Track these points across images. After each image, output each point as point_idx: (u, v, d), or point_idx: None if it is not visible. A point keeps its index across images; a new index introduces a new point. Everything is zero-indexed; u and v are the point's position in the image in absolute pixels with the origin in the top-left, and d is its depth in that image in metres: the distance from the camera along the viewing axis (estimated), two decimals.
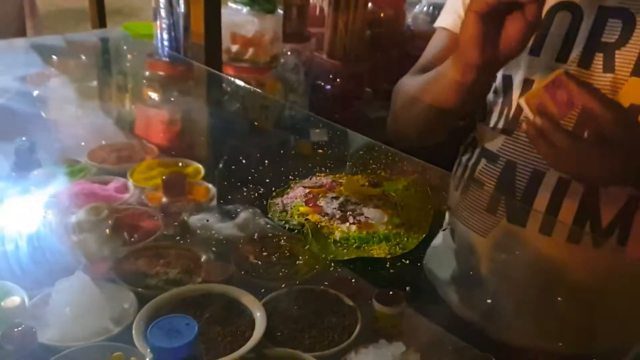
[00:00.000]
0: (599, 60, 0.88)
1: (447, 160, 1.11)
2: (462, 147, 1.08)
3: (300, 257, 1.04)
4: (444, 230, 1.02)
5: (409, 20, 2.30)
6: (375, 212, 0.76)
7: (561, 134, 0.75)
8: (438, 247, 1.07)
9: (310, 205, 0.81)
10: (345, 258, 0.75)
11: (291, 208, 0.82)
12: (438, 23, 1.11)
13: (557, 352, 0.93)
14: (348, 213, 0.77)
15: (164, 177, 1.09)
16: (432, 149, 1.10)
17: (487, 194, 0.97)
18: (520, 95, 0.94)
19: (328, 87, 1.99)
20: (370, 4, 2.15)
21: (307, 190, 0.85)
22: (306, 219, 0.78)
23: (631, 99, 0.85)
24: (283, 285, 0.97)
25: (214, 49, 1.43)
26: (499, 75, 0.98)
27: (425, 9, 2.29)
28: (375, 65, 2.14)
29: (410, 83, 1.09)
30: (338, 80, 1.99)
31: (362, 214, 0.76)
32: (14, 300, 0.84)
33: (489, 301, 0.96)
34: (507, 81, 0.97)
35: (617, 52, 0.87)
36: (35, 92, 1.43)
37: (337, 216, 0.75)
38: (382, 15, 2.20)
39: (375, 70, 2.14)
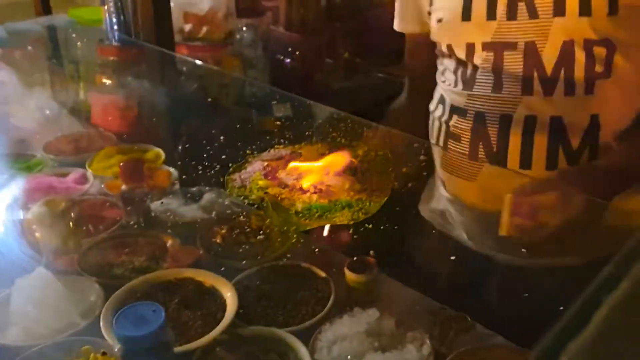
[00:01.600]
0: (522, 9, 0.93)
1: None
2: (430, 104, 1.11)
3: (267, 233, 1.02)
4: None
5: None
6: (336, 180, 0.74)
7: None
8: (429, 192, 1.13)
9: (269, 178, 0.79)
10: (308, 228, 0.73)
11: (249, 183, 0.80)
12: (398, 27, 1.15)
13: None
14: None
15: (120, 164, 1.06)
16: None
17: (465, 144, 1.02)
18: (467, 56, 0.98)
19: (288, 60, 1.96)
20: None
21: (266, 164, 0.83)
22: (265, 193, 0.76)
23: (562, 36, 0.91)
24: (250, 264, 0.96)
25: (165, 29, 1.39)
26: (442, 45, 1.02)
27: None
28: (334, 35, 2.10)
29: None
30: (297, 52, 1.95)
31: (322, 183, 0.74)
32: None
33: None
34: (450, 48, 1.01)
35: None
36: None
37: (297, 187, 0.73)
38: None
39: (334, 40, 2.11)
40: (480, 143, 1.00)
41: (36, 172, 1.25)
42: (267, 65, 1.92)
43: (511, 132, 0.96)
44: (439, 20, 1.03)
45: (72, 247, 1.00)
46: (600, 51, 0.91)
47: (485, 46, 0.96)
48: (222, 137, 1.17)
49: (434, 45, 1.07)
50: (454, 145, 1.04)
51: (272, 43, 1.92)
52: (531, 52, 0.93)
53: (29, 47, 1.60)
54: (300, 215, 0.71)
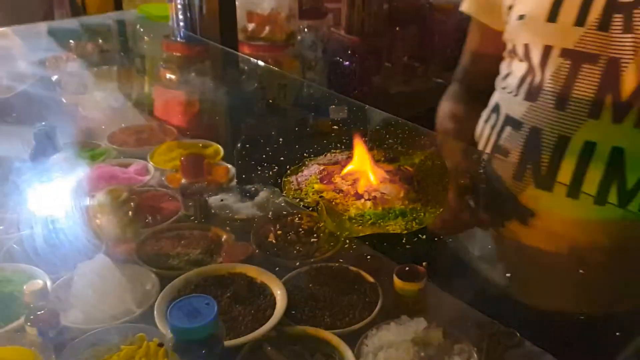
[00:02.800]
0: (618, 20, 0.84)
1: None
2: (483, 112, 1.06)
3: (320, 235, 1.03)
4: None
5: None
6: (391, 187, 0.75)
7: None
8: None
9: (325, 182, 0.80)
10: (360, 235, 0.74)
11: (305, 186, 0.81)
12: (462, 7, 1.11)
13: (582, 314, 0.93)
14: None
15: (182, 158, 1.09)
16: None
17: (513, 161, 0.97)
18: (541, 60, 0.91)
19: (346, 63, 1.97)
20: None
21: (322, 168, 0.84)
22: (320, 196, 0.77)
23: None
24: (301, 264, 0.97)
25: (229, 28, 1.42)
26: (518, 45, 0.96)
27: None
28: (393, 39, 2.10)
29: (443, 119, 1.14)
30: (356, 56, 1.96)
31: (377, 190, 0.75)
32: (37, 283, 0.85)
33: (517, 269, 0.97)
34: (527, 49, 0.94)
35: (634, 11, 0.83)
36: (54, 77, 1.43)
37: (352, 192, 0.74)
38: None
39: (393, 44, 2.11)
40: (529, 162, 0.94)
41: (100, 162, 1.31)
42: (325, 67, 1.93)
43: (565, 156, 0.90)
44: (521, 17, 0.95)
45: (131, 236, 1.04)
46: None
47: (565, 53, 0.89)
48: (280, 138, 1.19)
49: (497, 46, 1.03)
50: (500, 159, 1.00)
51: (332, 45, 1.94)
52: (612, 70, 0.85)
53: (100, 40, 1.66)
54: (354, 221, 0.72)
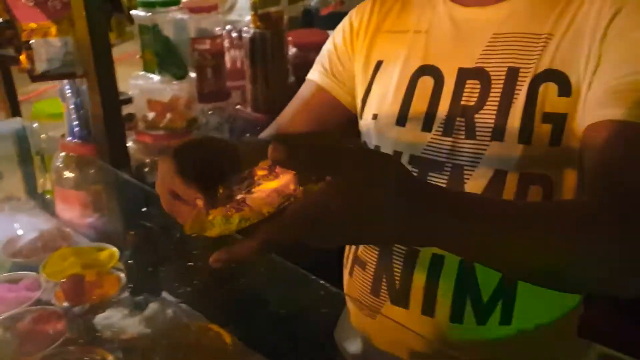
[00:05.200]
0: (460, 125, 0.85)
1: None
2: None
3: (209, 352, 1.02)
4: None
5: None
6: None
7: None
8: (343, 322, 1.06)
9: None
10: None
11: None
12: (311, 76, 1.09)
13: None
14: None
15: (61, 281, 1.07)
16: None
17: (370, 274, 0.94)
18: None
19: None
20: (294, 48, 2.15)
21: None
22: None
23: (495, 164, 0.82)
24: None
25: (116, 133, 1.41)
26: (371, 145, 0.95)
27: None
28: None
29: None
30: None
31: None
32: None
33: None
34: None
35: (475, 115, 0.84)
36: None
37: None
38: (306, 59, 2.21)
39: None
40: (384, 276, 0.91)
41: None
42: None
43: (416, 270, 0.87)
44: (374, 116, 0.94)
45: None
46: (536, 190, 0.80)
47: (413, 160, 0.88)
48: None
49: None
50: (359, 272, 0.97)
51: (239, 124, 1.95)
52: (456, 178, 0.84)
53: None
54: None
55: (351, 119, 1.04)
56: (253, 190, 0.61)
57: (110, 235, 1.39)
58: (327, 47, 1.08)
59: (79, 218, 1.54)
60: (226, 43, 2.00)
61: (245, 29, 1.92)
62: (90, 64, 1.28)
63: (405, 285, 0.89)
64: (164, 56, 1.63)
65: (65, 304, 1.07)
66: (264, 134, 1.12)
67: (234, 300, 1.10)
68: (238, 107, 1.98)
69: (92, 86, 1.32)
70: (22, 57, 1.34)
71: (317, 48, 2.22)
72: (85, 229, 1.48)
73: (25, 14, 1.30)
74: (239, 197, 0.61)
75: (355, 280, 0.97)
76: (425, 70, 0.90)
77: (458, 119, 0.85)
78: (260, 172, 0.62)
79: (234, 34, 2.03)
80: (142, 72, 1.72)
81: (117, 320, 1.10)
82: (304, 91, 1.08)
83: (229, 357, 1.00)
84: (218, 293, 1.15)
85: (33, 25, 1.27)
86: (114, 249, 1.35)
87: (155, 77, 1.68)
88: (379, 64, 0.98)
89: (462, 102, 0.86)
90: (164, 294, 1.18)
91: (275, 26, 1.91)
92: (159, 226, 1.27)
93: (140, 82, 1.70)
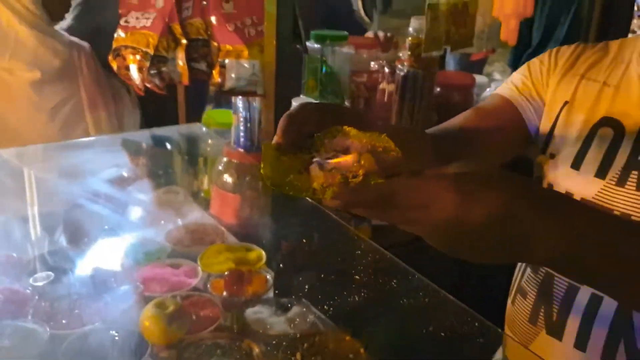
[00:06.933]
0: (633, 177, 0.91)
1: None
2: None
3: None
4: None
5: (477, 103, 2.36)
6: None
7: None
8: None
9: None
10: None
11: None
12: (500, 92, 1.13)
13: None
14: None
15: (226, 273, 1.22)
16: None
17: (530, 303, 1.01)
18: None
19: None
20: (438, 89, 2.24)
21: None
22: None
23: None
24: None
25: None
26: (545, 182, 1.02)
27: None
28: None
29: None
30: None
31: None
32: None
33: None
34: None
35: None
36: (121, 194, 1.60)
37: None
38: (450, 99, 2.29)
39: None
40: (543, 306, 0.99)
41: (156, 260, 1.45)
42: None
43: (574, 305, 0.94)
44: (552, 156, 1.01)
45: (174, 342, 1.16)
46: None
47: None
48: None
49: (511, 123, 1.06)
50: (520, 301, 1.05)
51: None
52: None
53: (168, 146, 1.86)
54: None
55: (525, 139, 1.09)
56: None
57: (257, 239, 1.53)
58: (522, 72, 1.13)
59: (231, 218, 1.70)
60: (379, 77, 2.12)
61: (399, 66, 2.03)
62: (271, 87, 1.45)
63: (562, 318, 0.95)
64: (326, 84, 1.77)
65: (224, 294, 1.21)
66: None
67: (380, 319, 1.19)
68: None
69: (269, 105, 1.48)
70: (215, 73, 1.53)
71: (462, 90, 2.33)
72: (235, 228, 1.64)
73: (223, 37, 1.49)
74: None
75: (516, 308, 1.05)
76: (608, 122, 0.97)
77: (633, 172, 0.91)
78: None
79: (387, 69, 2.15)
80: (302, 96, 1.87)
81: (265, 316, 1.23)
82: (482, 103, 1.15)
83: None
84: (366, 311, 1.24)
85: (229, 47, 1.46)
86: (261, 251, 1.50)
87: (314, 102, 1.83)
88: (565, 104, 1.04)
89: None
90: (305, 301, 1.30)
91: (429, 67, 2.01)
92: (307, 237, 1.40)
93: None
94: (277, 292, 1.33)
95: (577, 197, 0.95)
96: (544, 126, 1.06)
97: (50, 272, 1.28)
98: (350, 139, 0.68)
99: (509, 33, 2.03)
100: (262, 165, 0.68)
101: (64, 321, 1.18)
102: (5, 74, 2.03)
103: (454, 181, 0.58)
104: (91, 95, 2.13)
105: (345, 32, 1.81)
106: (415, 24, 1.92)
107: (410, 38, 1.96)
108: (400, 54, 2.11)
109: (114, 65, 1.82)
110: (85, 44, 2.16)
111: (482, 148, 1.08)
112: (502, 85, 1.16)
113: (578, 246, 0.61)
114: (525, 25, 3.01)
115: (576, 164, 0.97)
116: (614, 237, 0.64)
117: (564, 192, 0.97)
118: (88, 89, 2.12)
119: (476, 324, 0.97)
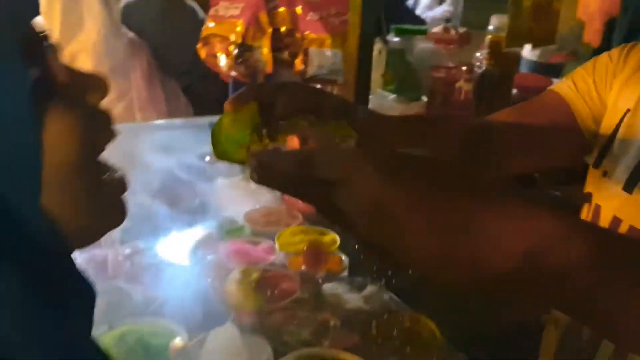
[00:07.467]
0: None
1: None
2: None
3: (420, 340, 1.15)
4: None
5: None
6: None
7: None
8: None
9: None
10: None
11: None
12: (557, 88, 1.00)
13: None
14: None
15: (305, 248, 1.26)
16: None
17: (560, 332, 0.94)
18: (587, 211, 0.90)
19: None
20: (514, 90, 2.23)
21: None
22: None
23: None
24: None
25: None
26: (593, 202, 0.91)
27: None
28: None
29: None
30: None
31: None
32: (179, 343, 1.03)
33: None
34: (597, 210, 0.90)
35: None
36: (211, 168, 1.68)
37: None
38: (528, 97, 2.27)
39: None
40: (574, 336, 0.90)
41: (236, 237, 1.52)
42: None
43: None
44: (605, 173, 0.88)
45: (255, 309, 1.21)
46: None
47: (631, 232, 0.82)
48: None
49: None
50: (551, 330, 0.96)
51: None
52: None
53: None
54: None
55: (580, 146, 0.95)
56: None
57: (330, 224, 1.58)
58: (585, 68, 0.97)
59: (303, 204, 1.75)
60: (457, 74, 2.13)
61: (477, 64, 2.04)
62: (352, 76, 1.49)
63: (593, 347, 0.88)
64: (404, 78, 1.81)
65: (303, 268, 1.26)
66: None
67: (456, 304, 1.20)
68: None
69: (348, 94, 1.52)
70: (298, 61, 1.58)
71: (537, 93, 2.30)
72: (309, 213, 1.69)
73: (307, 26, 1.54)
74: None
75: (548, 338, 1.00)
76: None
77: None
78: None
79: (464, 67, 2.16)
80: (380, 89, 1.91)
81: (341, 292, 1.27)
82: (533, 98, 1.01)
83: (437, 349, 1.11)
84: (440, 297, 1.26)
85: (313, 35, 1.51)
86: (335, 235, 1.54)
87: (391, 96, 1.87)
88: (627, 112, 0.90)
89: None
90: (380, 283, 1.33)
91: (507, 66, 2.01)
92: None
93: (376, 98, 1.89)
94: (353, 273, 1.37)
95: (625, 223, 0.84)
96: (602, 135, 0.92)
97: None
98: (309, 130, 0.67)
99: (593, 34, 2.00)
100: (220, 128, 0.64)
101: (151, 284, 1.26)
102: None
103: (380, 157, 0.48)
104: (142, 96, 2.16)
105: (426, 27, 1.84)
106: (495, 22, 1.93)
107: (490, 36, 1.96)
108: (479, 53, 2.12)
109: (202, 53, 1.91)
110: (144, 43, 2.19)
111: (519, 147, 0.94)
112: (561, 80, 1.00)
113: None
114: (609, 30, 2.95)
115: (629, 186, 0.84)
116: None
117: (611, 216, 0.85)
118: (139, 91, 2.16)
119: None
